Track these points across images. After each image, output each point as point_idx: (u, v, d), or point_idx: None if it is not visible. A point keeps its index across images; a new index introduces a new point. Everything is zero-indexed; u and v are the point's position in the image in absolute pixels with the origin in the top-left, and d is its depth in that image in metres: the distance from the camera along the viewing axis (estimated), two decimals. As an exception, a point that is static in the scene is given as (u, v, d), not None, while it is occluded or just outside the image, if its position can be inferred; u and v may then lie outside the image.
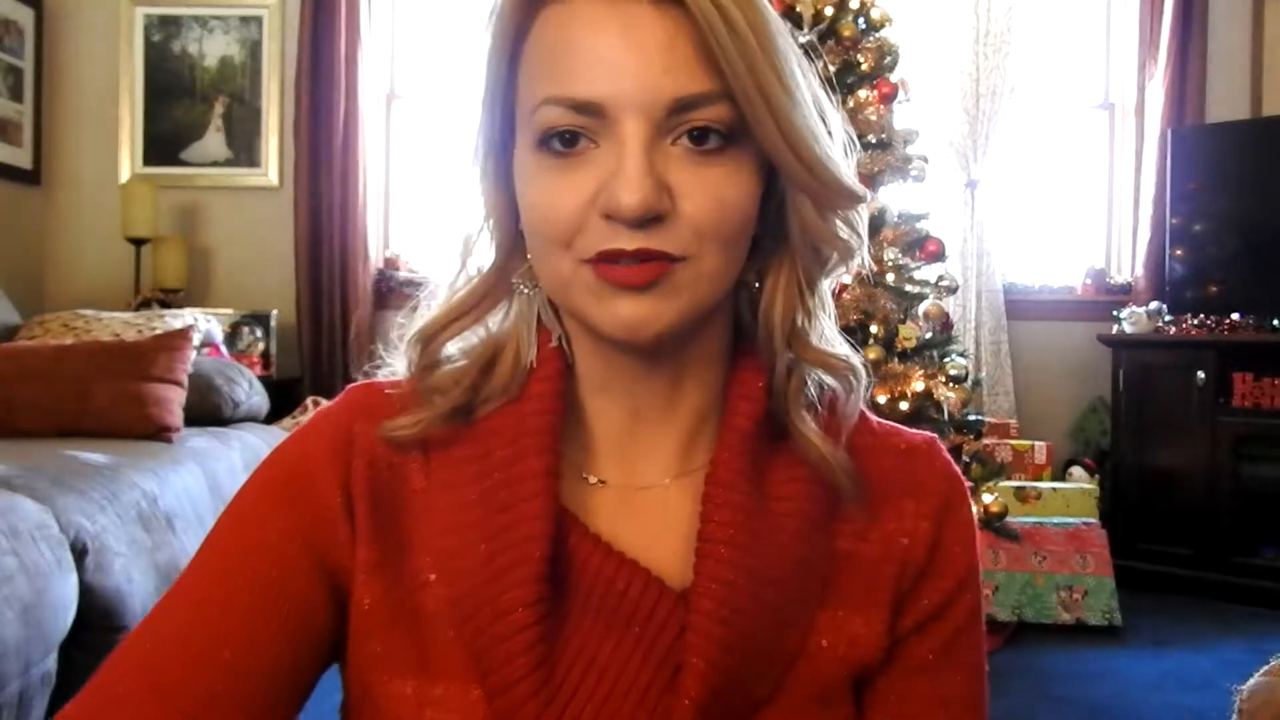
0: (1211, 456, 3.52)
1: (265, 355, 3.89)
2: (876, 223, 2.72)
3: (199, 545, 0.65)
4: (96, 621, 2.00)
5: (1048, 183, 4.26)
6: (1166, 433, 3.64)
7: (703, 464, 0.64)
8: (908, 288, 2.76)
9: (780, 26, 0.58)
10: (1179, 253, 3.79)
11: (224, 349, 3.67)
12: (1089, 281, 4.12)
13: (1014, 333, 4.09)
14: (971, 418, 2.80)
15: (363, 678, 0.62)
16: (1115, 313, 3.86)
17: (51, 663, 1.90)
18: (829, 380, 0.66)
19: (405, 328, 0.66)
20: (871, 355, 2.54)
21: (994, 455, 3.40)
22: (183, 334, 3.04)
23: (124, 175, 4.18)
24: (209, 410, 3.12)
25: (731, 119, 0.56)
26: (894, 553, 0.65)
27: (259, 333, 3.91)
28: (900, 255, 2.77)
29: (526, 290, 0.65)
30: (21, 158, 4.05)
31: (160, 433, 2.79)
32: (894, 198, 2.85)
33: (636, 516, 0.64)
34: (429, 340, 0.65)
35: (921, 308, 2.79)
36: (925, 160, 2.83)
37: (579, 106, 0.55)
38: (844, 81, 2.73)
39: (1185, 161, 3.77)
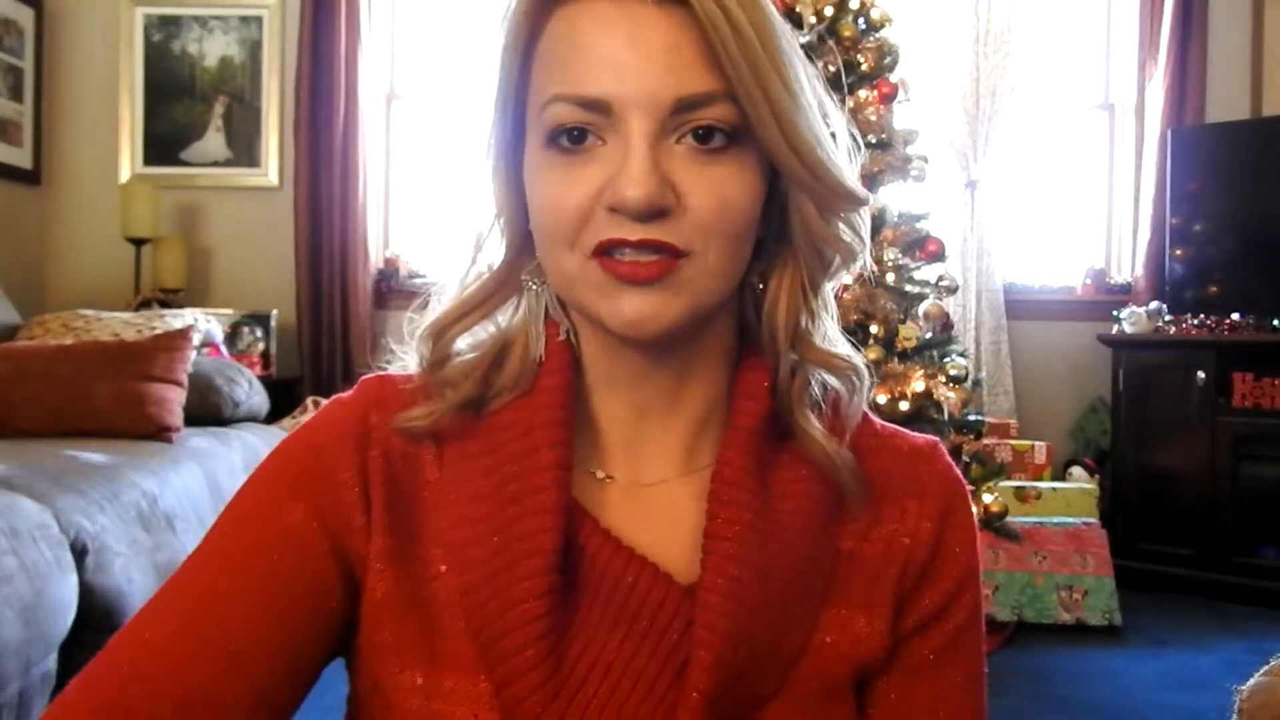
0: (1211, 456, 3.52)
1: (265, 355, 3.90)
2: (876, 223, 2.72)
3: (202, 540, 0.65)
4: (96, 621, 2.00)
5: (1048, 183, 4.26)
6: (1166, 433, 3.64)
7: (708, 463, 0.65)
8: (908, 288, 2.76)
9: (785, 30, 0.59)
10: (1179, 253, 3.79)
11: (224, 349, 3.67)
12: (1089, 281, 4.12)
13: (1014, 333, 4.09)
14: (971, 418, 2.80)
15: (372, 668, 0.62)
16: (1115, 313, 3.86)
17: (51, 663, 1.90)
18: (832, 381, 0.67)
19: (416, 323, 0.67)
20: (871, 355, 2.54)
21: (994, 455, 3.40)
22: (183, 334, 3.04)
23: (124, 175, 4.18)
24: (209, 410, 3.12)
25: (735, 119, 0.57)
26: (896, 553, 0.66)
27: (259, 333, 3.91)
28: (900, 255, 2.77)
29: (535, 287, 0.66)
30: (21, 158, 4.05)
31: (160, 433, 2.79)
32: (894, 198, 2.85)
33: (643, 513, 0.65)
34: (440, 335, 0.66)
35: (921, 308, 2.80)
36: (925, 160, 2.83)
37: (586, 104, 0.57)
38: (844, 81, 2.74)
39: (1185, 161, 3.78)
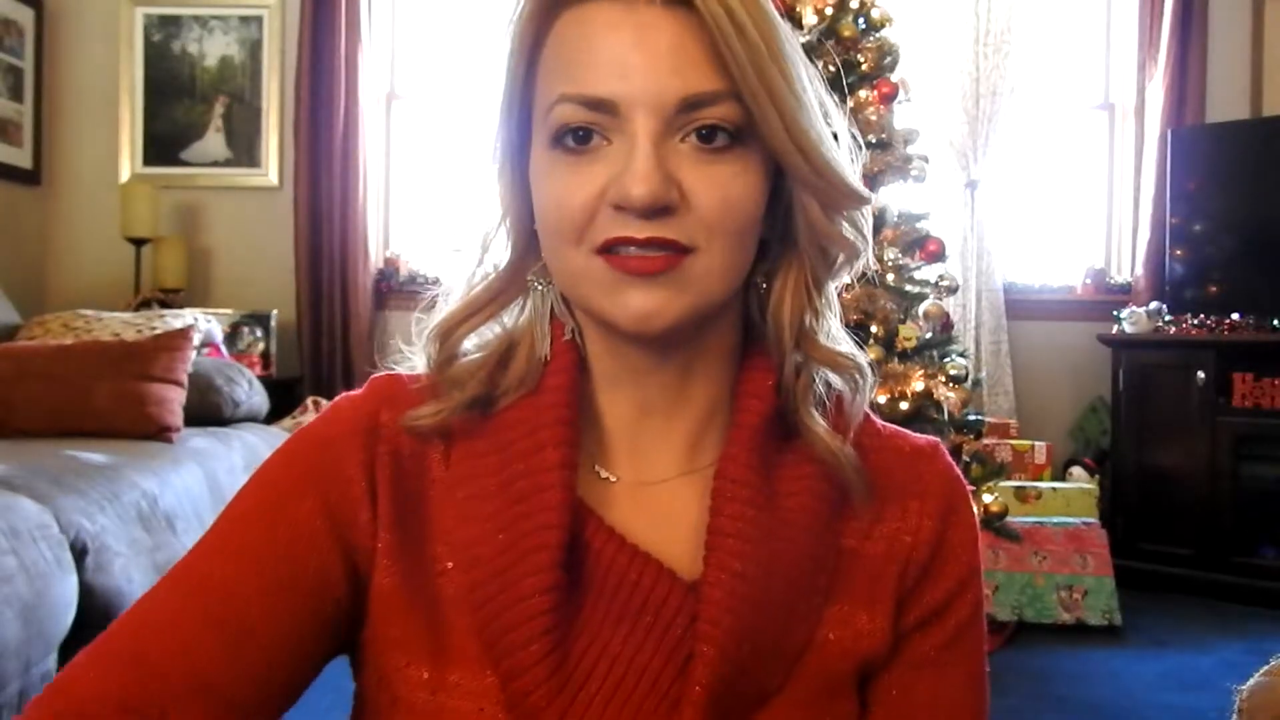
0: (1211, 456, 3.52)
1: (265, 355, 3.90)
2: (877, 223, 2.72)
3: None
4: (96, 621, 2.00)
5: (1048, 183, 4.26)
6: (1166, 433, 3.65)
7: (712, 461, 0.66)
8: (908, 288, 2.76)
9: (788, 33, 0.60)
10: (1179, 253, 3.79)
11: (224, 349, 3.67)
12: (1089, 281, 4.12)
13: (1014, 333, 4.09)
14: (971, 418, 2.80)
15: (379, 662, 0.63)
16: (1115, 313, 3.86)
17: (51, 663, 1.90)
18: (835, 380, 0.67)
19: (424, 323, 0.68)
20: (871, 355, 2.53)
21: (994, 455, 3.40)
22: (183, 334, 3.04)
23: (124, 175, 4.18)
24: (209, 410, 3.12)
25: (739, 118, 0.58)
26: (898, 551, 0.67)
27: (259, 333, 3.91)
28: (900, 255, 2.77)
29: (540, 287, 0.67)
30: (21, 158, 4.05)
31: (160, 433, 2.79)
32: (894, 198, 2.85)
33: (648, 510, 0.66)
34: (447, 335, 0.67)
35: (921, 308, 2.79)
36: (925, 160, 2.83)
37: (593, 104, 0.58)
38: (844, 82, 2.73)
39: (1185, 161, 3.78)
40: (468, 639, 0.61)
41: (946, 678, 0.67)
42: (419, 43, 4.32)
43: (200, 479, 2.69)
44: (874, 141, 2.73)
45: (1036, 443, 3.75)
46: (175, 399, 2.88)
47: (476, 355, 0.67)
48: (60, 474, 2.21)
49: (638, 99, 0.57)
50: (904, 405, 2.62)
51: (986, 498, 2.74)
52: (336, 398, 0.69)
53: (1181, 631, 3.12)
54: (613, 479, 0.67)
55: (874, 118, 2.73)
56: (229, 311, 3.91)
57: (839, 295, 0.71)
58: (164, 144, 4.20)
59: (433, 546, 0.64)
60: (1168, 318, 3.74)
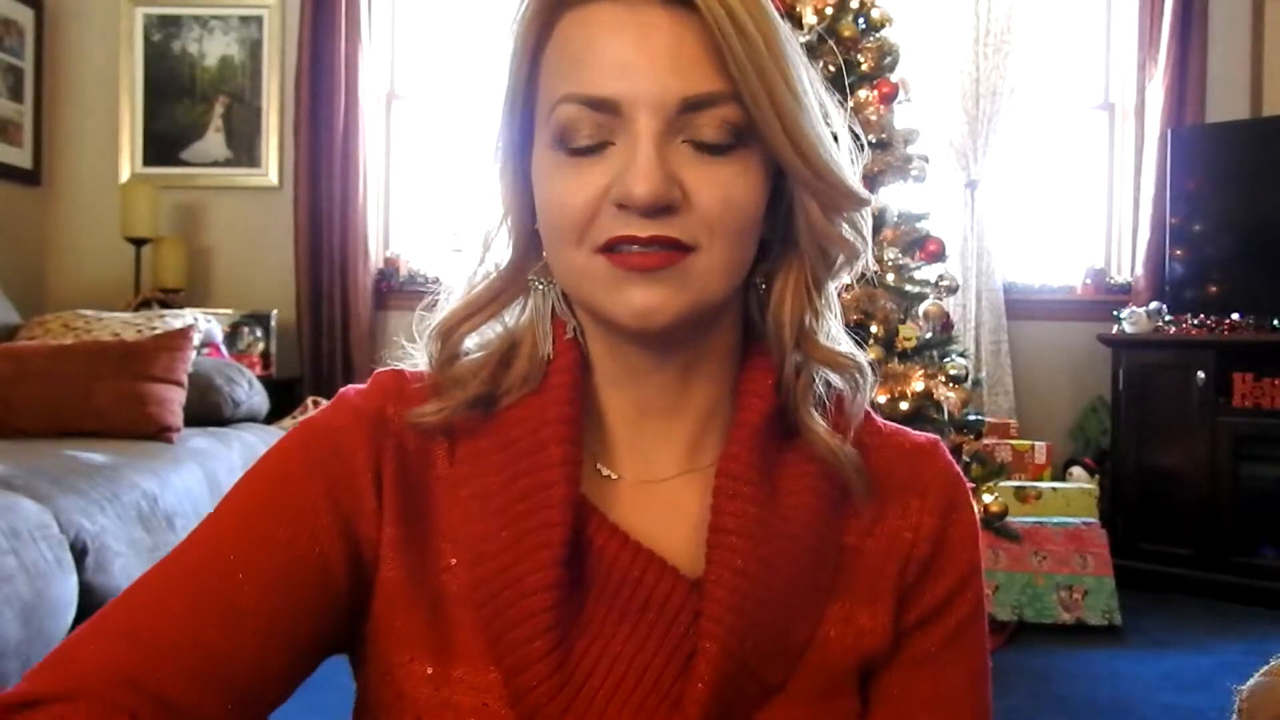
0: (1211, 456, 3.52)
1: (265, 355, 3.90)
2: (877, 223, 2.73)
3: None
4: (97, 621, 2.00)
5: (1048, 183, 4.26)
6: (1166, 433, 3.65)
7: (713, 460, 0.66)
8: (908, 288, 2.76)
9: (789, 35, 0.61)
10: (1179, 253, 3.79)
11: (224, 349, 3.67)
12: (1089, 281, 4.12)
13: (1014, 333, 4.09)
14: (971, 418, 2.80)
15: (383, 656, 0.63)
16: (1115, 313, 3.86)
17: (52, 663, 1.90)
18: (835, 379, 0.68)
19: (425, 322, 0.68)
20: (871, 355, 2.53)
21: (994, 455, 3.40)
22: (183, 334, 3.05)
23: (124, 175, 4.18)
24: (209, 410, 3.12)
25: (739, 119, 0.59)
26: (899, 548, 0.67)
27: (259, 333, 3.91)
28: (900, 255, 2.77)
29: (541, 286, 0.67)
30: (21, 158, 4.05)
31: (160, 433, 2.79)
32: (894, 197, 2.85)
33: (649, 509, 0.66)
34: (448, 334, 0.67)
35: (921, 308, 2.80)
36: (925, 160, 2.83)
37: (595, 104, 0.58)
38: (845, 81, 2.74)
39: (1185, 161, 3.78)
40: (471, 635, 0.61)
41: (947, 675, 0.68)
42: (419, 43, 4.32)
43: (200, 479, 2.69)
44: (874, 141, 2.73)
45: (1036, 443, 3.75)
46: (175, 399, 2.88)
47: (478, 354, 0.67)
48: (60, 474, 2.21)
49: (640, 99, 0.57)
50: (904, 405, 2.62)
51: (986, 498, 2.75)
52: (340, 390, 0.69)
53: (1181, 632, 3.12)
54: (615, 477, 0.67)
55: (874, 118, 2.74)
56: (229, 311, 3.91)
57: (839, 295, 0.71)
58: (164, 144, 4.20)
59: (437, 543, 0.64)
60: (1168, 318, 3.74)
